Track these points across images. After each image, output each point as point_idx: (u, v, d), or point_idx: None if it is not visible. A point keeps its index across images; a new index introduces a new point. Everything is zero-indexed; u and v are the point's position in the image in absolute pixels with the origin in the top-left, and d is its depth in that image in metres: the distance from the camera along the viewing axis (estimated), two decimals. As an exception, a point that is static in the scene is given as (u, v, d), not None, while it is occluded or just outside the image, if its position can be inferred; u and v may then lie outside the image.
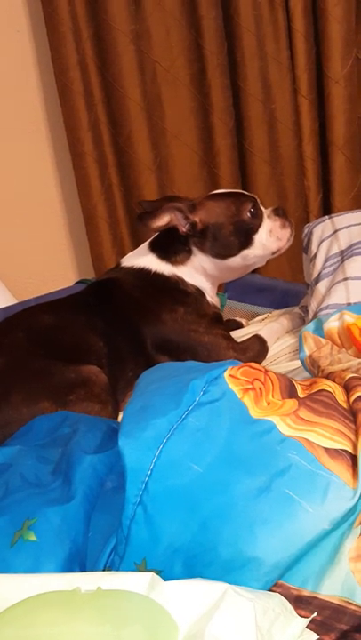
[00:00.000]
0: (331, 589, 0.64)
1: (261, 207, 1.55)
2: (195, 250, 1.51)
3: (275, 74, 2.15)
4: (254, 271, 2.22)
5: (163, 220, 1.45)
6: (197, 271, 1.53)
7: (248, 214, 1.50)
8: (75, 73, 2.08)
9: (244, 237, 1.51)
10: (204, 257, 1.52)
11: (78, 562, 0.74)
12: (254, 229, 1.51)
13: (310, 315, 1.54)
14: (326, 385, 0.82)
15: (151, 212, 1.46)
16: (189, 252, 1.52)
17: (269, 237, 1.53)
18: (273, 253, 1.56)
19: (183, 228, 1.48)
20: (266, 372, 0.81)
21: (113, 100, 2.13)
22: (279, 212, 1.56)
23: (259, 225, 1.52)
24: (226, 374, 0.76)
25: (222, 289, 1.98)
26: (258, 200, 1.55)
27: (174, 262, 1.52)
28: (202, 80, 2.15)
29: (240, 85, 2.16)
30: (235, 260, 1.53)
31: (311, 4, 2.12)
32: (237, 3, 2.06)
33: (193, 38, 2.11)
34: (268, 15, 2.10)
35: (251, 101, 2.16)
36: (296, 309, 1.75)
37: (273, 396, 0.77)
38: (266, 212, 1.55)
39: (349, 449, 0.70)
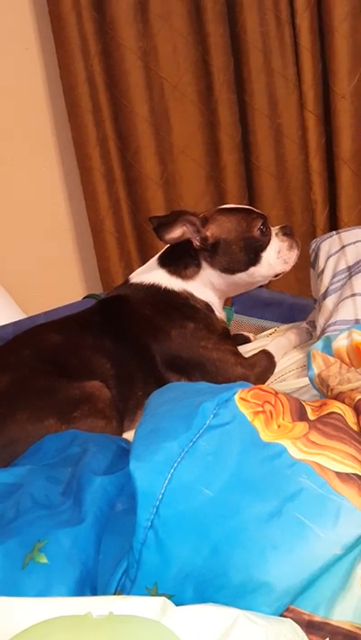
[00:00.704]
0: (343, 615, 0.64)
1: (270, 226, 1.56)
2: (204, 264, 1.52)
3: (281, 89, 2.16)
4: (261, 286, 2.24)
5: (176, 233, 1.46)
6: (206, 286, 1.54)
7: (258, 232, 1.51)
8: (83, 89, 2.10)
9: (253, 254, 1.52)
10: (212, 271, 1.52)
11: (89, 585, 0.74)
12: (263, 247, 1.53)
13: (318, 330, 1.54)
14: (337, 407, 0.82)
15: (165, 224, 1.46)
16: (198, 267, 1.52)
17: (277, 259, 1.54)
18: (276, 275, 1.58)
19: (197, 242, 1.49)
20: (276, 394, 0.81)
21: (121, 115, 2.15)
22: (287, 232, 1.57)
23: (267, 243, 1.53)
24: (236, 397, 0.76)
25: (229, 303, 1.99)
26: (267, 218, 1.56)
27: (184, 277, 1.53)
28: (209, 96, 2.16)
29: (247, 101, 2.17)
30: (241, 277, 1.54)
31: (317, 20, 2.14)
32: (244, 19, 2.08)
33: (200, 55, 2.13)
34: (274, 32, 2.12)
35: (257, 117, 2.18)
36: (303, 324, 1.75)
37: (283, 419, 0.77)
38: (274, 230, 1.56)
39: (360, 472, 0.70)
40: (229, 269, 1.52)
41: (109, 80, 2.13)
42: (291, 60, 2.16)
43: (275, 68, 2.15)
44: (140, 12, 2.07)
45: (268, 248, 1.53)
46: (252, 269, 1.53)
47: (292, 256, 1.56)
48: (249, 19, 2.09)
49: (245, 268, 1.52)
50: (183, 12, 2.10)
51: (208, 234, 1.49)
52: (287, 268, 1.57)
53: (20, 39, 2.18)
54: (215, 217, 1.51)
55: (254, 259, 1.52)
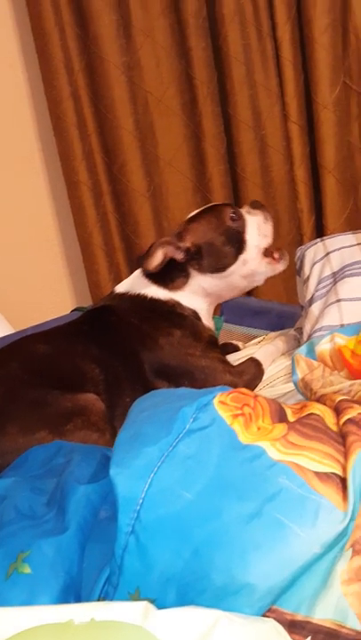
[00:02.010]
0: (324, 613, 0.64)
1: (238, 209, 1.57)
2: (193, 272, 1.53)
3: (264, 101, 2.19)
4: (250, 293, 2.25)
5: (158, 258, 1.47)
6: (196, 293, 1.54)
7: (230, 220, 1.53)
8: (68, 104, 2.12)
9: (237, 242, 1.53)
10: (203, 277, 1.53)
11: (73, 593, 0.74)
12: (243, 230, 1.53)
13: (305, 337, 1.55)
14: (316, 408, 0.83)
15: (145, 254, 1.47)
16: (187, 277, 1.53)
17: (258, 236, 1.54)
18: (265, 257, 1.56)
19: (180, 257, 1.50)
20: (255, 397, 0.82)
21: (106, 129, 2.17)
22: (257, 205, 1.59)
23: (244, 225, 1.54)
24: (215, 401, 0.76)
25: (219, 312, 1.99)
26: (232, 204, 1.58)
27: (171, 288, 1.53)
28: (193, 109, 2.18)
29: (231, 113, 2.19)
30: (234, 269, 1.53)
31: (298, 32, 2.17)
32: (226, 33, 2.10)
33: (183, 68, 2.15)
34: (256, 44, 2.14)
35: (242, 128, 2.19)
36: (292, 331, 1.76)
37: (263, 421, 0.78)
38: (244, 210, 1.58)
39: (339, 472, 0.70)
40: (220, 267, 1.52)
41: (94, 95, 2.15)
42: (273, 72, 2.18)
43: (257, 80, 2.17)
44: (123, 27, 2.09)
45: (248, 229, 1.54)
46: (241, 257, 1.52)
47: (268, 228, 1.57)
48: (231, 32, 2.11)
49: (235, 259, 1.52)
50: (166, 27, 2.12)
51: (188, 244, 1.50)
52: (268, 240, 1.56)
53: (3, 56, 2.20)
54: (187, 228, 1.53)
55: (239, 246, 1.53)
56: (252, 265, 1.55)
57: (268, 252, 1.56)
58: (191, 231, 1.52)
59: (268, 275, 1.59)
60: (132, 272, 1.62)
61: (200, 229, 1.52)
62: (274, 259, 1.56)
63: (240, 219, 1.54)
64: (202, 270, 1.52)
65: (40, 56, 2.11)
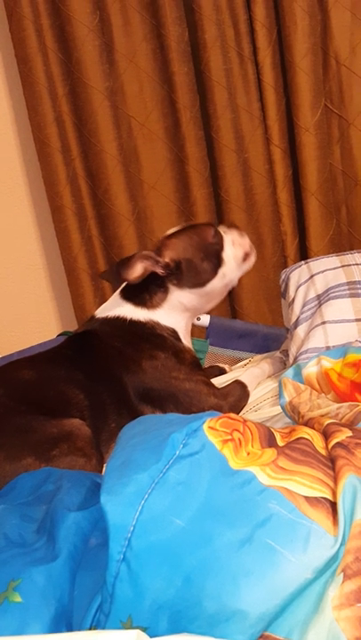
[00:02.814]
0: (316, 638, 0.64)
1: (217, 228, 1.61)
2: (172, 288, 1.53)
3: (247, 125, 2.21)
4: (235, 317, 2.26)
5: (137, 270, 1.48)
6: (174, 309, 1.55)
7: (211, 238, 1.55)
8: (52, 130, 2.13)
9: (215, 258, 1.55)
10: (181, 292, 1.54)
11: (65, 621, 0.73)
12: (221, 248, 1.56)
13: (291, 359, 1.56)
14: (305, 432, 0.83)
15: (124, 264, 1.48)
16: (166, 292, 1.54)
17: (235, 250, 1.57)
18: (243, 262, 1.60)
19: (160, 271, 1.51)
20: (245, 422, 0.82)
21: (90, 154, 2.18)
22: (231, 225, 1.63)
23: (222, 241, 1.57)
24: (205, 426, 0.77)
25: (204, 335, 2.00)
26: (213, 223, 1.61)
27: (149, 306, 1.54)
28: (176, 133, 2.20)
29: (213, 137, 2.21)
30: (214, 283, 1.55)
31: (279, 56, 2.20)
32: (208, 57, 2.13)
33: (166, 93, 2.18)
34: (238, 69, 2.17)
35: (225, 151, 2.21)
36: (277, 354, 1.77)
37: (252, 446, 0.78)
38: (221, 229, 1.60)
39: (329, 496, 0.70)
40: (200, 282, 1.54)
41: (78, 120, 2.17)
42: (255, 96, 2.21)
43: (240, 104, 2.19)
44: (106, 52, 2.12)
45: (226, 245, 1.57)
46: (220, 271, 1.55)
47: (245, 241, 1.60)
48: (213, 57, 2.13)
49: (214, 275, 1.55)
50: (148, 52, 2.15)
51: (167, 259, 1.51)
52: (245, 248, 1.59)
53: (-13, 83, 2.21)
54: (166, 243, 1.54)
55: (218, 262, 1.55)
56: (231, 275, 1.58)
57: (245, 257, 1.61)
58: (171, 246, 1.53)
59: (243, 273, 1.64)
60: (110, 283, 1.63)
61: (180, 245, 1.53)
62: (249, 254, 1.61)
63: (220, 236, 1.57)
64: (180, 286, 1.53)
65: (24, 81, 2.12)
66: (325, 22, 2.18)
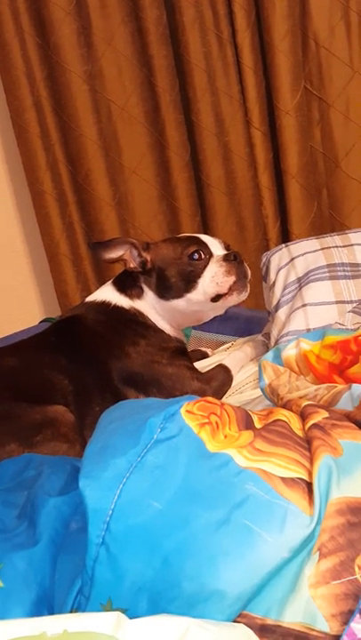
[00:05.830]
0: (293, 616, 0.65)
1: (214, 251, 1.53)
2: (145, 287, 1.54)
3: (227, 108, 2.20)
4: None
5: (116, 253, 1.49)
6: (153, 308, 1.55)
7: (188, 258, 1.50)
8: (30, 115, 2.11)
9: (188, 281, 1.50)
10: (153, 295, 1.54)
11: (46, 605, 0.74)
12: (198, 274, 1.50)
13: (272, 342, 1.57)
14: (282, 414, 0.84)
15: (105, 243, 1.48)
16: (141, 291, 1.55)
17: (210, 282, 1.49)
18: (214, 300, 1.50)
19: (132, 264, 1.51)
20: (222, 405, 0.83)
21: (70, 139, 2.17)
22: (230, 258, 1.50)
23: (202, 269, 1.50)
24: (182, 410, 0.77)
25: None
26: (205, 245, 1.53)
27: (131, 296, 1.55)
28: (156, 116, 2.19)
29: (194, 120, 2.21)
30: (179, 303, 1.52)
31: (258, 38, 2.18)
32: (187, 40, 2.12)
33: (145, 76, 2.16)
34: (217, 52, 2.16)
35: (205, 135, 2.21)
36: (259, 337, 1.78)
37: (230, 429, 0.79)
38: (216, 257, 1.52)
39: (305, 477, 0.71)
40: (165, 296, 1.53)
41: (56, 104, 2.15)
42: (234, 79, 2.20)
43: (219, 87, 2.18)
44: (84, 35, 2.10)
45: (205, 274, 1.50)
46: (188, 296, 1.51)
47: (226, 280, 1.48)
48: (191, 39, 2.12)
49: (182, 295, 1.51)
50: (126, 35, 2.13)
51: (148, 258, 1.52)
52: (220, 290, 1.49)
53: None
54: (158, 243, 1.55)
55: (190, 286, 1.50)
56: (196, 307, 1.53)
57: (217, 298, 1.51)
58: (156, 249, 1.54)
59: (225, 308, 1.58)
60: (96, 259, 1.62)
61: (162, 252, 1.53)
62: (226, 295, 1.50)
63: (202, 261, 1.51)
64: (151, 289, 1.54)
65: (1, 66, 2.10)
66: (304, 4, 2.17)
